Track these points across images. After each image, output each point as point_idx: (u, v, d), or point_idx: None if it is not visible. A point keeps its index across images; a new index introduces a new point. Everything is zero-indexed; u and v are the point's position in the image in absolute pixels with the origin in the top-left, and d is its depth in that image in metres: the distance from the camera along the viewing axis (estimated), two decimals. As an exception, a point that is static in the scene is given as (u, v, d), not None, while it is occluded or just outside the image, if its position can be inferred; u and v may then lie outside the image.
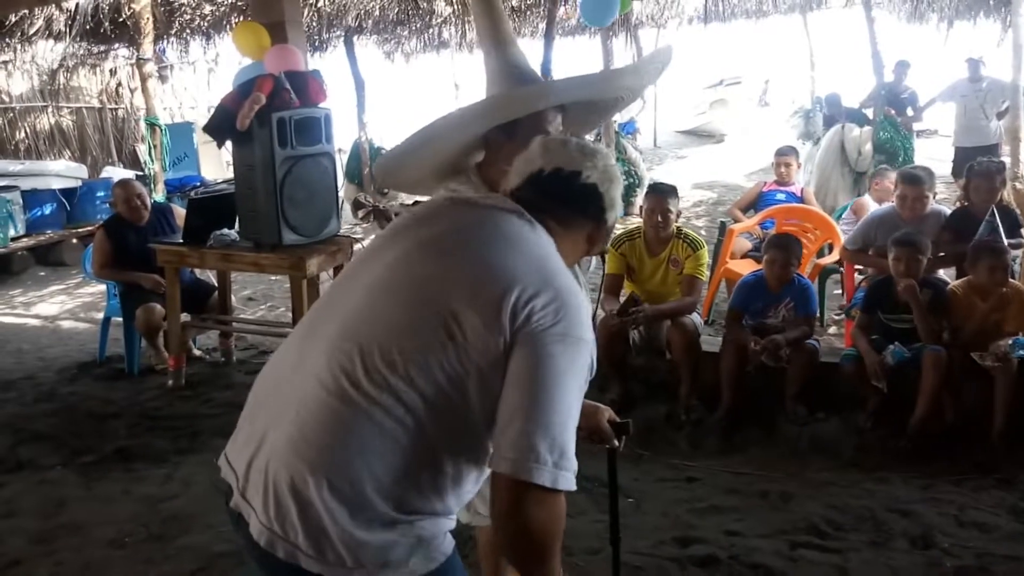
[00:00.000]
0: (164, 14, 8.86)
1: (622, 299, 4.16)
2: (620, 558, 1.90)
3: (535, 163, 1.48)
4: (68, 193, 9.33)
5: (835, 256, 5.21)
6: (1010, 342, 3.59)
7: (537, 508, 1.21)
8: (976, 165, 4.50)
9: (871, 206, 5.26)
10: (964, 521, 3.02)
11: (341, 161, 9.56)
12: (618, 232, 4.51)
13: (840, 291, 5.44)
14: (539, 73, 2.03)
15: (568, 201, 1.46)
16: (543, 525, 1.22)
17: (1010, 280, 3.83)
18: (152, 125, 7.45)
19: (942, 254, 4.21)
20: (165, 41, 10.32)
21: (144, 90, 7.75)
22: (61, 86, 11.06)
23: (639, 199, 7.21)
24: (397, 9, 10.09)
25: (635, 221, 6.05)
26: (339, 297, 1.42)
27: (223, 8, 9.06)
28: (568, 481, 1.22)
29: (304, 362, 1.36)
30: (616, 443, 1.84)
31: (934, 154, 10.13)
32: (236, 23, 8.45)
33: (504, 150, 1.70)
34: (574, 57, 12.69)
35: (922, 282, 3.82)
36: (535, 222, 1.41)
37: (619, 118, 12.32)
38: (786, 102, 16.34)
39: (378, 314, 1.33)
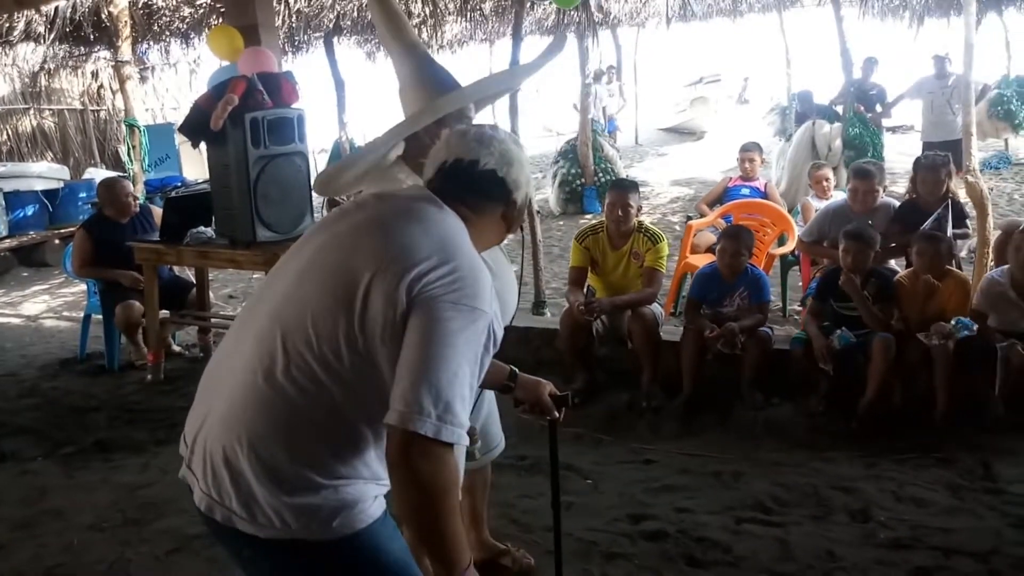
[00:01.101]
0: (143, 16, 8.94)
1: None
2: (561, 521, 2.05)
3: (440, 156, 1.62)
4: (50, 194, 9.43)
5: (790, 247, 5.38)
6: (954, 322, 3.77)
7: (422, 459, 1.29)
8: (923, 159, 4.67)
9: (816, 205, 5.44)
10: (902, 496, 3.18)
11: (317, 162, 9.67)
12: (583, 226, 4.68)
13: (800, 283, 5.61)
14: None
15: (471, 188, 1.59)
16: (429, 476, 1.30)
17: (950, 268, 4.01)
18: (131, 126, 7.55)
19: (892, 245, 4.38)
20: (147, 43, 10.38)
21: (124, 92, 7.83)
22: (43, 88, 11.13)
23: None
24: (375, 10, 10.16)
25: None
26: (271, 285, 1.56)
27: (201, 10, 9.13)
28: (451, 434, 1.30)
29: (239, 347, 1.50)
30: (557, 414, 1.99)
31: (904, 149, 10.32)
32: (215, 25, 8.53)
33: (433, 136, 1.78)
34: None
35: (870, 272, 3.99)
36: (444, 207, 1.54)
37: (599, 116, 12.52)
38: (764, 99, 16.55)
39: (299, 297, 1.46)
